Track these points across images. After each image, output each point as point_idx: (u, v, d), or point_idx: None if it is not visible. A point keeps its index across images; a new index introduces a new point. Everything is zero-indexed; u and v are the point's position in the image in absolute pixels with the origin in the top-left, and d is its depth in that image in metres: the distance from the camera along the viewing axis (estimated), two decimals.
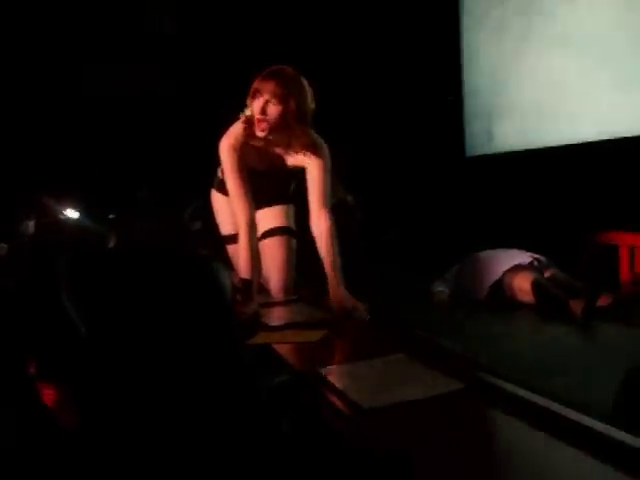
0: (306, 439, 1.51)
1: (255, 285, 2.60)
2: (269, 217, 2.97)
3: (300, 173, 2.75)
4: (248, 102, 2.59)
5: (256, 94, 2.53)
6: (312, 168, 2.67)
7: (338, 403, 1.42)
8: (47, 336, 1.67)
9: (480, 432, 1.25)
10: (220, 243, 3.07)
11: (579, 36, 4.10)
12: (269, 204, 2.96)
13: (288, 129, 2.56)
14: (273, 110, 2.50)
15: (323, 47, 4.95)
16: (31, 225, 3.20)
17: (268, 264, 2.88)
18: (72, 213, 3.83)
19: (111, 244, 2.32)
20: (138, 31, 4.81)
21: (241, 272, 2.59)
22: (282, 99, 2.49)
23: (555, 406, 1.28)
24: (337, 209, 2.82)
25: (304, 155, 2.67)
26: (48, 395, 1.52)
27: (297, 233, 3.02)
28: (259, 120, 2.52)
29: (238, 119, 2.66)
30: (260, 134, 2.55)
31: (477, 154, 5.05)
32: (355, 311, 2.37)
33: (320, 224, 2.63)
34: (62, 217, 3.64)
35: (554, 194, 4.20)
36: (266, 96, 2.50)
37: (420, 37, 5.14)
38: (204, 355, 1.26)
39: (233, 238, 2.82)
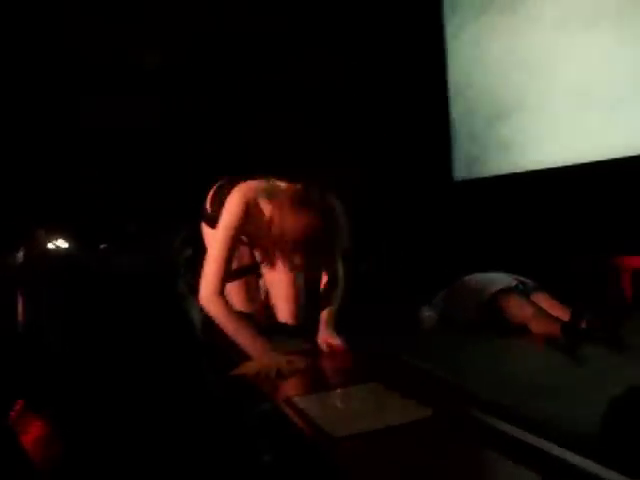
0: (288, 468, 1.52)
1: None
2: None
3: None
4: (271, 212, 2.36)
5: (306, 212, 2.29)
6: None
7: (310, 432, 1.44)
8: (34, 371, 1.70)
9: (448, 459, 1.27)
10: None
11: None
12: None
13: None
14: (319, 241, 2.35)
15: (309, 76, 4.98)
16: (19, 256, 3.22)
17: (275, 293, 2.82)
18: (62, 243, 3.87)
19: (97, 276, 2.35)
20: (126, 64, 4.88)
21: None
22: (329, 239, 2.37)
23: (520, 433, 1.30)
24: None
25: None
26: (35, 429, 1.54)
27: None
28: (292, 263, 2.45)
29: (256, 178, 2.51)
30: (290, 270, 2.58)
31: (464, 178, 5.08)
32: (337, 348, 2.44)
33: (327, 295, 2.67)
34: (51, 247, 3.67)
35: (540, 217, 4.24)
36: (315, 230, 2.29)
37: (405, 57, 5.16)
38: (175, 386, 1.28)
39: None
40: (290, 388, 1.81)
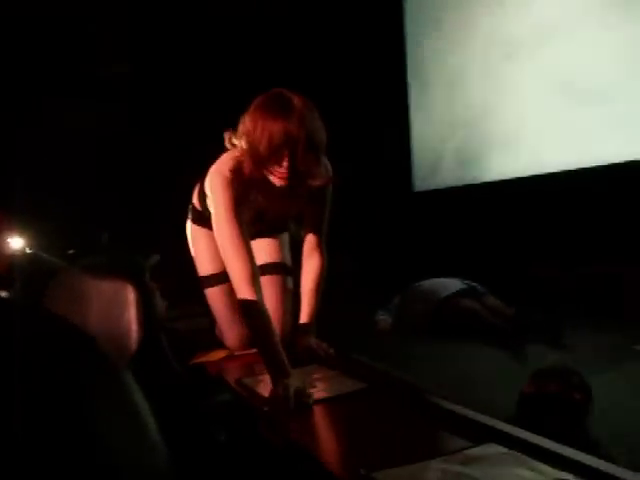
0: (241, 446, 1.69)
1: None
2: (261, 249, 2.51)
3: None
4: (242, 130, 2.02)
5: (282, 140, 1.91)
6: (316, 196, 2.26)
7: (255, 403, 1.69)
8: None
9: (383, 422, 1.48)
10: (195, 281, 2.62)
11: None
12: (265, 235, 2.56)
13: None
14: (300, 159, 1.93)
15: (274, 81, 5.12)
16: None
17: None
18: (26, 247, 3.95)
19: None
20: (93, 72, 4.99)
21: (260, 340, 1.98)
22: (307, 146, 1.93)
23: (442, 402, 1.49)
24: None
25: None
26: None
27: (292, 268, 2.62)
28: (281, 173, 1.96)
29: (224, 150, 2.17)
30: (280, 183, 2.00)
31: (424, 189, 5.27)
32: (320, 354, 2.15)
33: (312, 263, 2.32)
34: (17, 250, 3.75)
35: (492, 226, 4.44)
36: (290, 145, 1.91)
37: (367, 66, 5.32)
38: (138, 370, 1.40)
39: (213, 279, 2.42)
40: (239, 373, 2.04)
